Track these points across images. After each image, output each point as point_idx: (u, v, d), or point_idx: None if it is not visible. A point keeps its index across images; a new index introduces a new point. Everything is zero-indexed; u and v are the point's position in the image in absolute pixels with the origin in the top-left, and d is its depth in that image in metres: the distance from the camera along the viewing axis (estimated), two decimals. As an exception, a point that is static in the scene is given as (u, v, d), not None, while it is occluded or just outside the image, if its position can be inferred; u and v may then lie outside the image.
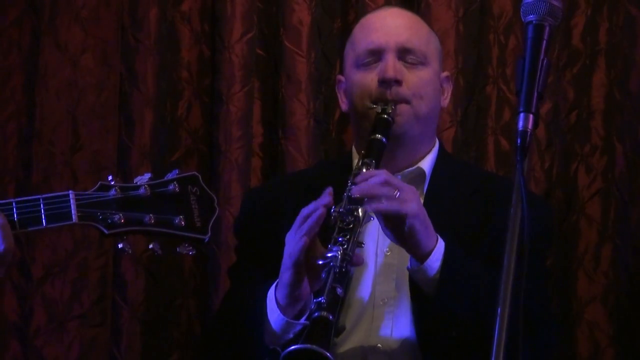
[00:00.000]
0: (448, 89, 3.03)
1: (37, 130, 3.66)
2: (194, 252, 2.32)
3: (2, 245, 2.27)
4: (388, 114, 2.83)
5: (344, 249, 2.57)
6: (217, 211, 2.34)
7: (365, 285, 2.82)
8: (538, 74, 2.10)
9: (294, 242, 2.62)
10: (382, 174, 2.67)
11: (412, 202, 2.62)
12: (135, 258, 3.64)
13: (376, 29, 2.93)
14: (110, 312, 3.67)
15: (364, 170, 2.74)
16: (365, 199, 2.64)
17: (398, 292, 2.80)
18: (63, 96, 3.68)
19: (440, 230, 2.71)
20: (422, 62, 2.90)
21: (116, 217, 2.28)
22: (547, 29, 2.13)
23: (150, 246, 2.32)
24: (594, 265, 3.67)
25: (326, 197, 2.62)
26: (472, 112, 3.72)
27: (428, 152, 2.96)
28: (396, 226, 2.63)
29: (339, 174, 2.90)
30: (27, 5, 3.69)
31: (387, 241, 2.78)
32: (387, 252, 2.83)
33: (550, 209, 3.13)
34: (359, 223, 2.64)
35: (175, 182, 2.33)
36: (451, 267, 2.65)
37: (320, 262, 2.58)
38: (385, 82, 2.86)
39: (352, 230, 2.62)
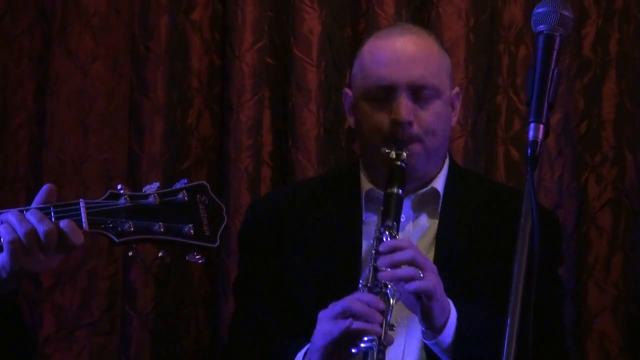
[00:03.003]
0: (457, 105, 2.98)
1: (47, 138, 3.66)
2: (202, 260, 2.32)
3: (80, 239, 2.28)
4: (402, 161, 2.78)
5: (379, 338, 2.54)
6: (225, 220, 2.33)
7: None
8: (548, 84, 2.10)
9: (331, 329, 2.58)
10: (409, 252, 2.64)
11: (436, 287, 2.62)
12: (145, 267, 3.64)
13: (388, 62, 2.85)
14: (119, 321, 3.67)
15: (387, 233, 2.70)
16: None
17: (409, 316, 2.78)
18: (73, 104, 3.69)
19: (456, 249, 2.72)
20: (435, 95, 2.85)
21: (126, 225, 2.28)
22: (558, 39, 2.13)
23: (160, 254, 2.32)
24: (604, 276, 3.66)
25: (378, 317, 2.57)
26: (482, 122, 3.71)
27: (440, 171, 2.94)
28: (419, 301, 2.63)
29: (345, 192, 2.89)
30: (38, 13, 3.70)
31: None
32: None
33: (559, 224, 3.11)
34: (390, 304, 2.60)
35: (184, 191, 2.32)
36: (464, 341, 2.65)
37: (355, 351, 2.55)
38: (397, 124, 2.80)
39: (383, 313, 2.58)
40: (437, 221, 2.87)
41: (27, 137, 3.68)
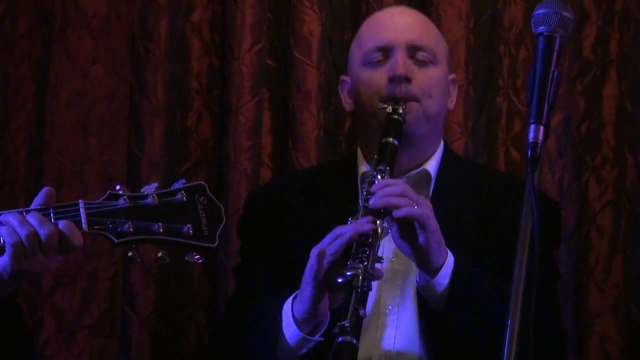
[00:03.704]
0: (454, 92, 3.02)
1: (47, 140, 3.66)
2: (202, 260, 2.33)
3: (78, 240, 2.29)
4: (399, 114, 2.80)
5: (364, 267, 2.52)
6: (224, 220, 2.34)
7: (370, 294, 2.80)
8: (549, 85, 2.10)
9: (320, 258, 2.57)
10: (399, 185, 2.64)
11: (430, 216, 2.60)
12: (145, 268, 3.64)
13: (385, 26, 2.92)
14: (119, 323, 3.67)
15: (379, 177, 2.71)
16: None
17: (402, 298, 2.79)
18: (73, 106, 3.69)
19: (447, 232, 2.70)
20: (432, 61, 2.89)
21: (126, 225, 2.28)
22: (558, 40, 2.14)
23: (159, 254, 2.33)
24: (605, 277, 3.66)
25: (366, 225, 2.57)
26: (482, 123, 3.71)
27: (433, 153, 2.95)
28: (412, 238, 2.61)
29: (343, 177, 2.89)
30: (38, 15, 3.70)
31: (392, 247, 2.75)
32: (393, 258, 2.81)
33: (558, 209, 3.11)
34: (378, 237, 2.60)
35: (182, 192, 2.33)
36: (460, 284, 2.64)
37: (341, 280, 2.53)
38: (395, 80, 2.83)
39: (371, 244, 2.57)
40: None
41: (27, 139, 3.68)
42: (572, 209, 3.68)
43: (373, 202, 2.60)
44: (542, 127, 2.07)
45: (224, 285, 3.61)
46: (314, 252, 2.60)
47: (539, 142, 2.06)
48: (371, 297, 2.79)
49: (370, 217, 2.59)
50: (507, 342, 1.93)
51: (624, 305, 3.64)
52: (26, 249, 2.25)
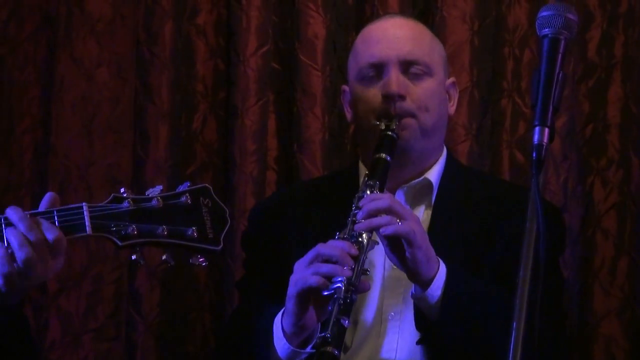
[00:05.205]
0: (454, 96, 3.01)
1: (52, 143, 3.67)
2: (206, 263, 2.33)
3: (61, 259, 2.29)
4: (392, 130, 2.80)
5: (348, 279, 2.54)
6: (228, 222, 2.35)
7: (372, 301, 2.82)
8: (553, 87, 2.10)
9: (303, 275, 2.59)
10: (386, 200, 2.65)
11: (416, 232, 2.60)
12: (150, 272, 3.64)
13: (378, 41, 2.91)
14: (124, 326, 3.67)
15: (368, 192, 2.71)
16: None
17: (405, 305, 2.79)
18: (78, 110, 3.69)
19: (448, 242, 2.70)
20: (427, 73, 2.88)
21: (130, 228, 2.28)
22: (563, 42, 2.14)
23: (163, 257, 2.33)
24: (610, 279, 3.65)
25: (347, 259, 2.58)
26: (487, 125, 3.71)
27: (435, 162, 2.95)
28: (401, 253, 2.61)
29: (344, 189, 2.89)
30: (43, 19, 3.71)
31: None
32: (394, 265, 2.81)
33: (561, 216, 3.11)
34: (364, 250, 2.61)
35: (187, 194, 2.34)
36: (453, 295, 2.63)
37: (325, 294, 2.55)
38: (388, 97, 2.83)
39: (356, 258, 2.59)
40: (430, 212, 2.88)
41: (32, 143, 3.69)
42: (577, 211, 3.67)
43: (357, 225, 2.62)
44: (546, 130, 2.07)
45: (230, 288, 3.61)
46: (297, 266, 2.62)
47: (544, 144, 2.06)
48: (373, 304, 2.82)
49: (354, 250, 2.60)
50: (512, 347, 1.93)
51: (629, 307, 3.64)
52: (37, 254, 2.25)
